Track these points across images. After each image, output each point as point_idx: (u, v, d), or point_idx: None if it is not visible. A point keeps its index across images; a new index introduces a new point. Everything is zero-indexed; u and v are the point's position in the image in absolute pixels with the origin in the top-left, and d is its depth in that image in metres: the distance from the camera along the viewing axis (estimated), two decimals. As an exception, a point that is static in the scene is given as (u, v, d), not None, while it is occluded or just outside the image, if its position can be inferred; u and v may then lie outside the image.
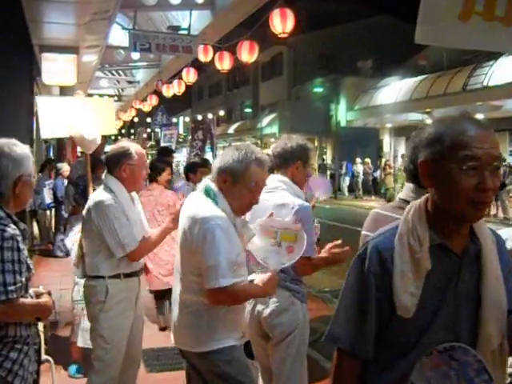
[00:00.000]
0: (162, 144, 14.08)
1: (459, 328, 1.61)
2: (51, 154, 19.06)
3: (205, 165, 7.24)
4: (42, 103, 5.20)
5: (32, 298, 2.54)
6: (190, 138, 13.27)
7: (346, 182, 26.36)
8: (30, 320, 2.49)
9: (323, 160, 31.92)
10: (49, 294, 2.65)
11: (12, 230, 2.36)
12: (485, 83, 19.35)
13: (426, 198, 1.67)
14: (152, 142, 40.41)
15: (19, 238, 2.38)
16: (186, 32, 11.77)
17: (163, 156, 8.33)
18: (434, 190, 1.61)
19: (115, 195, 3.45)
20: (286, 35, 9.73)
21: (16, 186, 2.46)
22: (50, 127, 5.02)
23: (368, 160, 25.07)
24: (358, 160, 24.99)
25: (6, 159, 2.43)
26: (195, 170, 7.13)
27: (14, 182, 2.45)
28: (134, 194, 3.67)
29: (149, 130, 40.02)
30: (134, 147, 3.56)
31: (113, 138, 24.23)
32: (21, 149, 2.51)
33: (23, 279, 2.36)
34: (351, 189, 25.89)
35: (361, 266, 1.67)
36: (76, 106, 5.01)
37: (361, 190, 24.97)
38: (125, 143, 3.64)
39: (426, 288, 1.58)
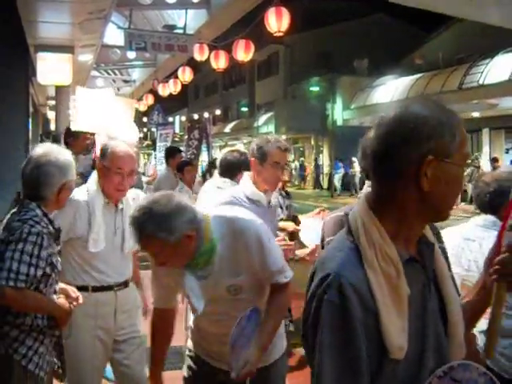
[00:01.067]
0: (158, 144, 14.04)
1: (442, 345, 1.38)
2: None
3: (190, 163, 7.60)
4: (80, 94, 5.15)
5: (57, 294, 2.70)
6: (186, 137, 13.24)
7: (335, 179, 26.90)
8: (44, 314, 2.60)
9: (316, 160, 31.98)
10: (67, 296, 2.75)
11: (41, 227, 2.52)
12: (480, 81, 19.38)
13: (369, 204, 1.38)
14: (148, 142, 40.32)
15: (45, 236, 2.53)
16: (181, 31, 11.74)
17: (169, 157, 8.66)
18: (424, 191, 1.30)
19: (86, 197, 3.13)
20: (281, 34, 9.73)
21: (60, 192, 2.68)
22: (84, 120, 4.92)
23: (364, 159, 25.09)
24: (355, 159, 25.01)
25: (53, 167, 2.63)
26: (182, 170, 7.27)
27: (59, 189, 2.67)
28: (129, 199, 3.26)
29: (145, 130, 39.98)
30: (112, 146, 3.15)
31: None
32: (65, 156, 2.72)
33: (39, 273, 2.50)
34: (343, 187, 26.42)
35: (341, 313, 1.25)
36: (108, 103, 4.91)
37: (358, 188, 25.03)
38: (116, 141, 3.28)
39: (409, 316, 1.30)
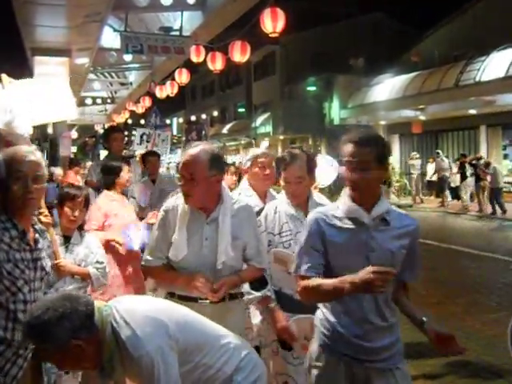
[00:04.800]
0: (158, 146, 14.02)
1: None
2: (45, 157, 19.00)
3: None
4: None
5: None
6: (184, 138, 13.25)
7: None
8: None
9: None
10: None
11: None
12: (477, 79, 19.40)
13: None
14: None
15: (6, 240, 2.44)
16: (177, 33, 11.76)
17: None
18: None
19: None
20: (276, 35, 9.76)
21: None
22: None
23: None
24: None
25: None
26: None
27: None
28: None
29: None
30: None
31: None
32: (36, 156, 2.60)
33: None
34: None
35: None
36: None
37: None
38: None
39: None
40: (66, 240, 3.77)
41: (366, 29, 31.91)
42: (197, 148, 2.91)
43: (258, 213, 3.44)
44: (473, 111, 20.63)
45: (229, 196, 3.03)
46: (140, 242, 4.73)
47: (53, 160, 13.64)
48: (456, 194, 19.44)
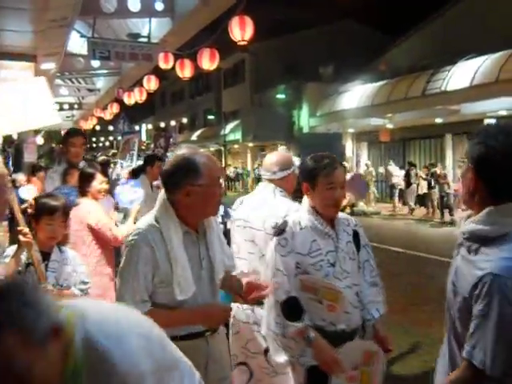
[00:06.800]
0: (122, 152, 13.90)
1: None
2: (10, 164, 18.63)
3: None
4: None
5: None
6: (152, 145, 13.17)
7: None
8: None
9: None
10: None
11: None
12: (443, 88, 19.72)
13: None
14: (114, 151, 39.92)
15: None
16: (146, 40, 11.69)
17: (146, 164, 7.72)
18: None
19: None
20: (245, 43, 9.79)
21: None
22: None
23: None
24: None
25: None
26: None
27: None
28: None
29: (111, 138, 39.57)
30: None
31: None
32: None
33: None
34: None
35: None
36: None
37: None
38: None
39: None
40: (45, 257, 3.39)
41: (335, 36, 32.21)
42: (199, 152, 2.46)
43: (281, 230, 2.90)
44: (439, 120, 20.97)
45: None
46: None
47: (17, 166, 13.38)
48: (423, 201, 19.81)
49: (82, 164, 5.42)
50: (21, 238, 3.11)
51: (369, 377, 2.71)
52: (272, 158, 3.55)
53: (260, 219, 3.35)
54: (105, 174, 5.20)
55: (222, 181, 2.84)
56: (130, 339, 1.58)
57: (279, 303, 2.78)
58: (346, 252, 2.85)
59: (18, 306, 1.27)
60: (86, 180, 4.71)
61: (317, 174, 2.82)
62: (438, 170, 18.24)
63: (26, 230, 3.16)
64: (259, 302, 2.92)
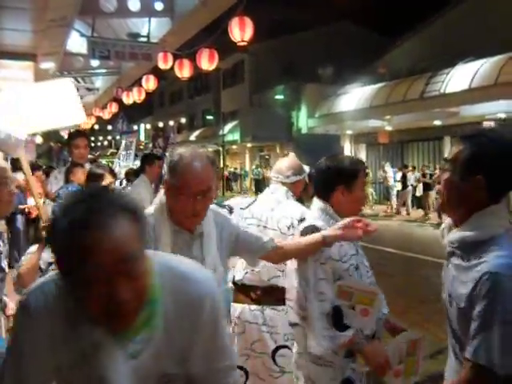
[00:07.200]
0: (122, 152, 13.94)
1: None
2: (9, 163, 18.63)
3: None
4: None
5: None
6: (151, 145, 13.20)
7: None
8: None
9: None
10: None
11: None
12: (442, 90, 19.76)
13: None
14: (113, 150, 39.97)
15: None
16: (145, 39, 11.69)
17: (144, 163, 7.67)
18: None
19: None
20: (245, 43, 9.78)
21: None
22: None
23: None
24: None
25: None
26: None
27: None
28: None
29: (109, 138, 39.60)
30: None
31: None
32: None
33: None
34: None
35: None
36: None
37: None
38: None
39: None
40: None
41: (335, 38, 32.25)
42: (199, 152, 2.32)
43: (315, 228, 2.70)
44: (437, 122, 21.02)
45: None
46: None
47: (13, 167, 13.34)
48: (419, 203, 19.89)
49: (87, 165, 5.42)
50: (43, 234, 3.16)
51: (413, 365, 2.66)
52: (286, 162, 3.69)
53: (274, 219, 3.43)
54: (113, 174, 5.17)
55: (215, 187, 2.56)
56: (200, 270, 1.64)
57: (324, 315, 2.60)
58: (361, 254, 2.82)
59: (115, 194, 1.40)
60: (94, 180, 4.66)
61: (357, 176, 2.74)
62: (436, 171, 18.25)
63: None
64: (269, 303, 3.06)
